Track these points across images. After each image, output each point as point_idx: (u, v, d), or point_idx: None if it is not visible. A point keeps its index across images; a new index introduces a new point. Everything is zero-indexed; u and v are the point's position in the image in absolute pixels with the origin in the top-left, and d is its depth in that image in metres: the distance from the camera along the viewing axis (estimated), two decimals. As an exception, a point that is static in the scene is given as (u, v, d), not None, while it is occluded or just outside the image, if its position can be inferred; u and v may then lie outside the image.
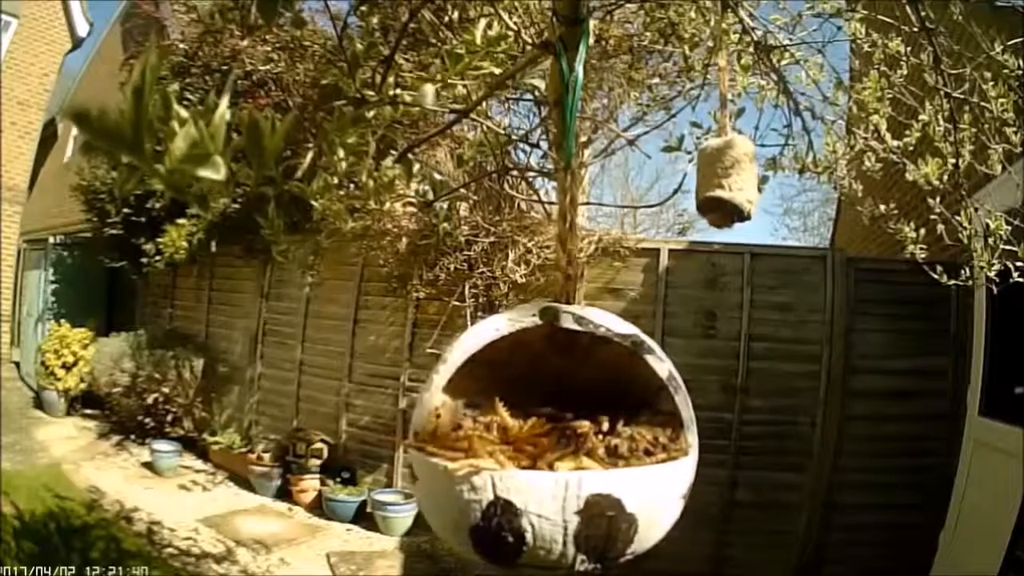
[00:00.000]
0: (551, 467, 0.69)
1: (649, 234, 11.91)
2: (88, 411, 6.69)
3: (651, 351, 0.81)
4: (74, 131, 10.43)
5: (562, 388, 0.90)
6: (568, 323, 0.80)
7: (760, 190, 1.64)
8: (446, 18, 1.18)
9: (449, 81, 1.04)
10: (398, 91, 1.04)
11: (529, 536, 0.64)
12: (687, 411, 0.80)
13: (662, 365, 0.81)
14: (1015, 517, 2.78)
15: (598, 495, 0.64)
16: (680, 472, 0.74)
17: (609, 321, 0.82)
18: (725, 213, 1.35)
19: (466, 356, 0.81)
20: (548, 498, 0.64)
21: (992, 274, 1.75)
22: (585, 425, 0.77)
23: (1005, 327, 3.30)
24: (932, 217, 1.91)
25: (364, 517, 4.56)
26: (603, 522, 0.64)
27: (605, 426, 0.78)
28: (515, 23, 1.17)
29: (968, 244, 1.78)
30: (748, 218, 1.35)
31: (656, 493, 0.70)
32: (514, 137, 2.82)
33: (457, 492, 0.67)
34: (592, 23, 0.87)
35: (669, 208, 12.26)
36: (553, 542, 0.64)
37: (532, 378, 0.91)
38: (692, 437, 0.79)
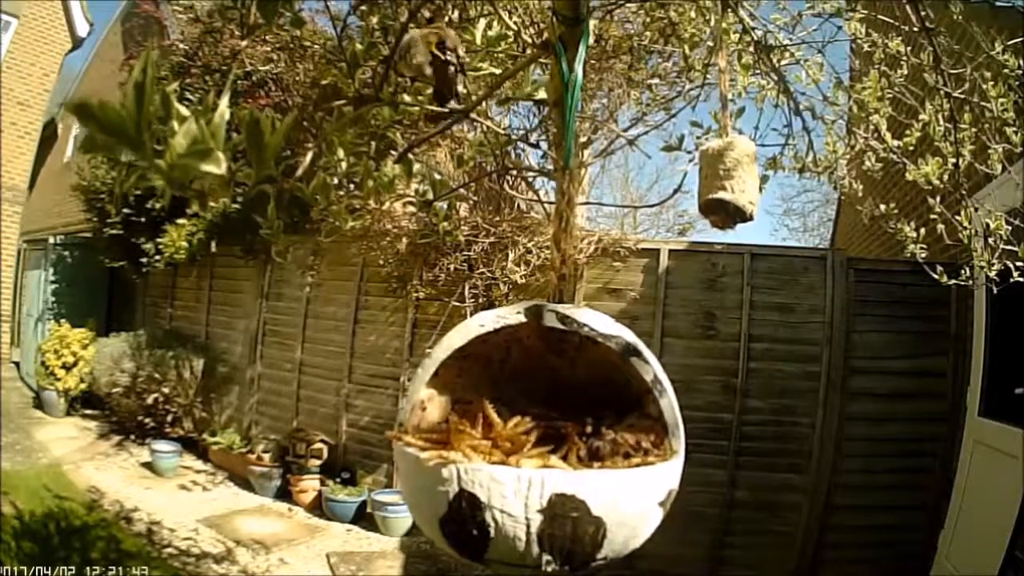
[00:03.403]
0: (519, 464, 0.69)
1: (649, 234, 11.93)
2: (88, 411, 6.69)
3: (637, 353, 0.79)
4: (74, 131, 10.44)
5: (558, 388, 0.90)
6: (552, 321, 0.80)
7: (760, 190, 1.64)
8: (446, 18, 1.18)
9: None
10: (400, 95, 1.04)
11: (492, 531, 0.64)
12: (672, 416, 0.78)
13: (647, 368, 0.79)
14: (1015, 517, 2.78)
15: (562, 495, 0.63)
16: (657, 478, 0.72)
17: (595, 321, 0.80)
18: (727, 215, 1.35)
19: (451, 351, 0.81)
20: (511, 493, 0.63)
21: (992, 274, 1.75)
22: (568, 426, 0.77)
23: (1005, 327, 3.30)
24: (932, 217, 1.91)
25: (364, 517, 4.56)
26: (567, 523, 0.64)
27: (589, 428, 0.78)
28: (515, 23, 1.17)
29: (968, 244, 1.78)
30: (750, 219, 1.35)
31: (626, 498, 0.68)
32: (514, 137, 2.82)
33: (429, 484, 0.67)
34: (592, 23, 0.87)
35: (669, 208, 12.28)
36: (516, 539, 0.64)
37: (529, 377, 0.91)
38: (677, 443, 0.77)
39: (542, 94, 1.05)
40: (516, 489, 0.63)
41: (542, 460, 0.71)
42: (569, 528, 0.64)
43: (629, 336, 0.81)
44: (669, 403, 0.78)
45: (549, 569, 0.65)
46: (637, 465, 0.73)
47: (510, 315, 0.81)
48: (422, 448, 0.71)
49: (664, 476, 0.73)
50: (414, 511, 0.76)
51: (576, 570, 0.66)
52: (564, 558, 0.65)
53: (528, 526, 0.63)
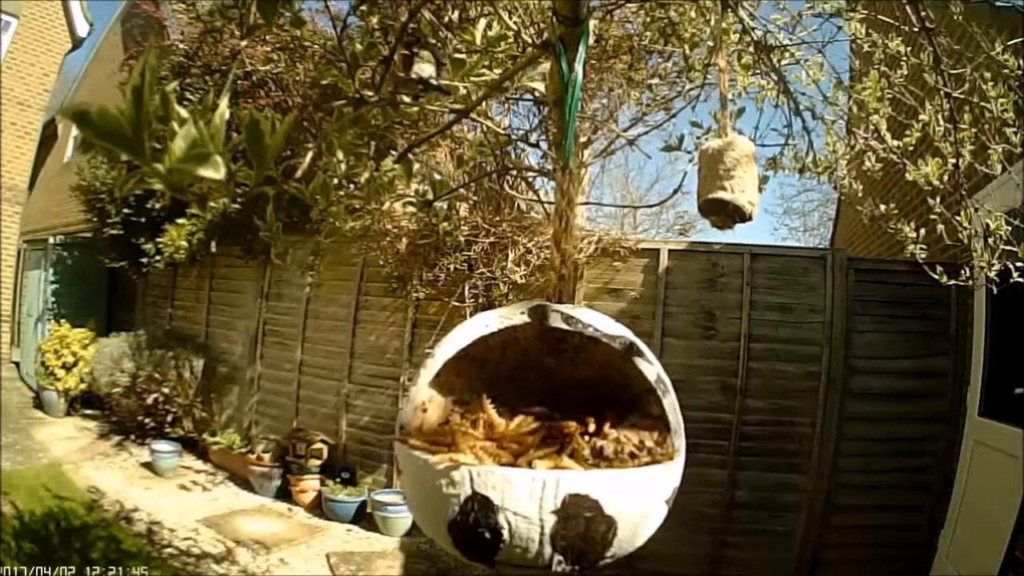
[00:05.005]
0: (530, 465, 0.68)
1: (649, 234, 11.91)
2: (88, 411, 6.69)
3: (640, 353, 0.80)
4: (74, 131, 10.43)
5: (554, 388, 0.90)
6: (556, 322, 0.80)
7: (761, 190, 1.64)
8: (446, 18, 1.18)
9: (450, 84, 1.04)
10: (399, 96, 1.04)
11: (506, 533, 0.63)
12: (675, 415, 0.79)
13: (650, 368, 0.79)
14: (1015, 517, 2.78)
15: (576, 495, 0.63)
16: (663, 477, 0.73)
17: (598, 321, 0.81)
18: (727, 215, 1.35)
19: (454, 351, 0.80)
20: (525, 496, 0.63)
21: (992, 274, 1.75)
22: (572, 426, 0.77)
23: (1005, 327, 3.30)
24: (932, 217, 1.91)
25: (364, 517, 4.56)
26: (580, 523, 0.64)
27: (592, 427, 0.78)
28: (515, 23, 1.17)
29: (968, 244, 1.78)
30: (750, 219, 1.35)
31: (636, 497, 0.69)
32: (514, 137, 2.83)
33: (437, 486, 0.66)
34: (592, 23, 0.87)
35: (669, 208, 12.27)
36: (530, 540, 0.63)
37: (524, 377, 0.90)
38: (679, 441, 0.78)
39: (538, 84, 1.04)
40: (531, 491, 0.63)
41: (553, 461, 0.70)
42: (582, 528, 0.64)
43: (631, 336, 0.81)
44: (671, 403, 0.79)
45: (559, 569, 0.65)
46: (646, 464, 0.73)
47: (513, 315, 0.81)
48: (428, 451, 0.71)
49: (669, 475, 0.74)
50: (419, 514, 0.75)
51: (585, 569, 0.67)
52: (575, 558, 0.65)
53: (542, 527, 0.63)
